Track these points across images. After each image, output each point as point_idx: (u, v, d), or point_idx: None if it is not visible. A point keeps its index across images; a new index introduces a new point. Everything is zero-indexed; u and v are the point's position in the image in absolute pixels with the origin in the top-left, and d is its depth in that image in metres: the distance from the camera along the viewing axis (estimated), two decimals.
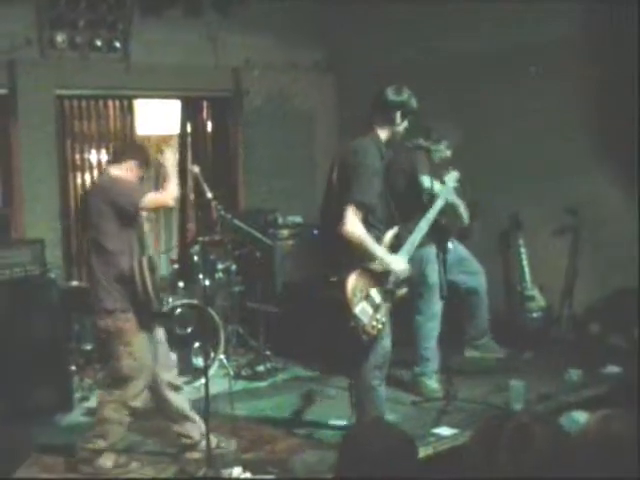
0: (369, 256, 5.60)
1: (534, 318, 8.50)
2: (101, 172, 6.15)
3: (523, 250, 8.60)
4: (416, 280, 6.80)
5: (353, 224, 5.51)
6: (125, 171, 5.93)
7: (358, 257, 5.63)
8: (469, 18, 8.76)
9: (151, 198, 5.83)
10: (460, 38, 8.86)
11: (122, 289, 5.70)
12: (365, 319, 5.59)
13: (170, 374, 6.12)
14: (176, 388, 6.14)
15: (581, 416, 5.67)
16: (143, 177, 6.19)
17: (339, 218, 5.55)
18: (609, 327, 7.99)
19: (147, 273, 5.66)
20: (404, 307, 6.97)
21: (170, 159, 6.08)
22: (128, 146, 6.40)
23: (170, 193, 5.90)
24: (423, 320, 7.23)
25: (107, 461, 5.86)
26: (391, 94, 5.86)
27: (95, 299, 5.78)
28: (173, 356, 6.45)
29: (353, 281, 5.61)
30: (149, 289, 5.66)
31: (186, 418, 6.08)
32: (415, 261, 6.44)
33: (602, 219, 8.06)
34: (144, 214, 6.31)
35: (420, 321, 7.27)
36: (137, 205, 5.72)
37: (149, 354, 5.84)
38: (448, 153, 7.41)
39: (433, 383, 7.25)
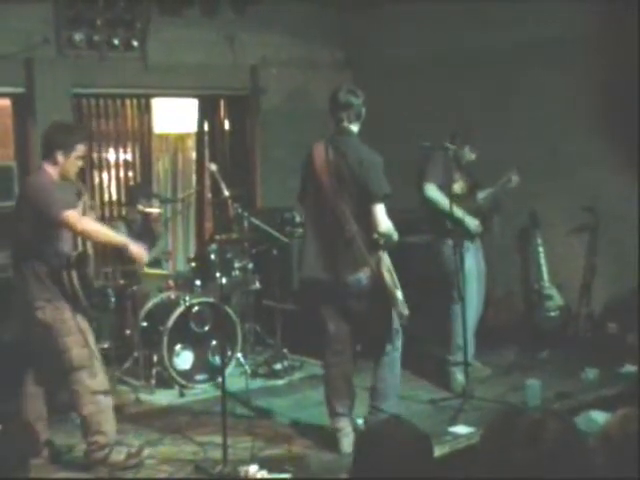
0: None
1: (552, 317, 8.49)
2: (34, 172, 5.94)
3: (541, 249, 8.60)
4: (452, 269, 7.11)
5: (385, 218, 5.81)
6: (54, 165, 5.75)
7: (376, 250, 5.82)
8: (486, 15, 8.77)
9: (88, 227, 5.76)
10: (477, 35, 8.87)
11: (54, 283, 5.69)
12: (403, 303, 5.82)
13: None
14: None
15: (598, 415, 5.68)
16: (82, 166, 6.06)
17: (341, 216, 5.81)
18: (627, 326, 7.98)
19: (72, 269, 5.70)
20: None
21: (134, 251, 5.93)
22: (51, 134, 5.87)
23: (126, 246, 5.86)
24: (459, 309, 7.21)
25: (119, 455, 5.88)
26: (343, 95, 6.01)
27: (30, 293, 5.72)
28: None
29: (387, 272, 5.82)
30: (74, 283, 5.69)
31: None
32: (449, 252, 7.08)
33: (620, 217, 8.04)
34: (156, 212, 6.37)
35: (456, 310, 7.27)
36: (55, 216, 5.57)
37: (92, 338, 5.86)
38: (473, 156, 7.57)
39: (460, 377, 7.28)
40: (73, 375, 5.74)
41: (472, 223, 7.47)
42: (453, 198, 7.17)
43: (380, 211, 5.83)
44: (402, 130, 9.08)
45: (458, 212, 7.30)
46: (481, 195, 7.67)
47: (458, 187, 7.44)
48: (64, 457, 5.95)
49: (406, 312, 5.85)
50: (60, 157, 5.71)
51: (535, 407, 6.42)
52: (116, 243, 5.96)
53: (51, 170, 5.73)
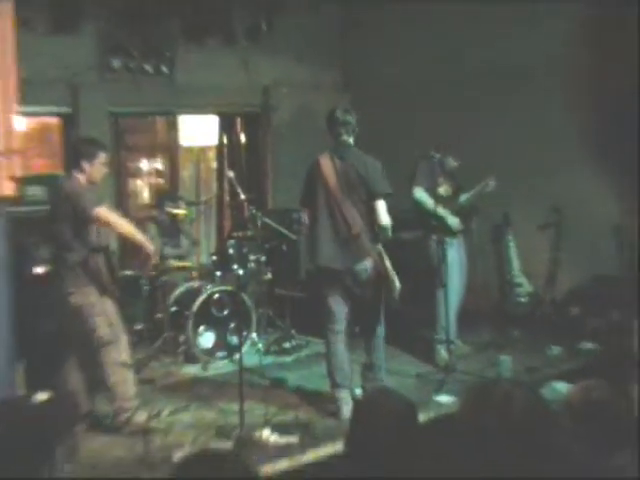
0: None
1: (522, 302, 8.49)
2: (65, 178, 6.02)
3: (512, 244, 8.60)
4: (436, 261, 7.28)
5: (386, 214, 6.03)
6: (81, 173, 5.83)
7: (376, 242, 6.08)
8: (476, 39, 8.77)
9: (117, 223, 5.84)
10: (460, 59, 8.87)
11: (83, 272, 5.76)
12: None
13: None
14: None
15: (561, 386, 5.69)
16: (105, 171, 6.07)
17: (349, 216, 6.00)
18: (586, 309, 7.98)
19: (100, 259, 5.82)
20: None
21: (147, 247, 6.01)
22: (77, 147, 6.08)
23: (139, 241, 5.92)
24: (442, 295, 7.23)
25: (140, 417, 5.92)
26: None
27: (65, 281, 5.80)
28: None
29: (386, 259, 6.06)
30: (102, 271, 5.81)
31: None
32: (434, 246, 7.31)
33: (580, 216, 8.02)
34: (182, 213, 6.39)
35: (440, 296, 7.29)
36: (89, 214, 5.69)
37: (118, 318, 5.93)
38: (455, 164, 7.59)
39: (444, 353, 7.31)
40: (102, 350, 5.82)
41: (453, 221, 7.48)
42: (438, 199, 7.20)
43: (382, 207, 6.01)
44: (396, 143, 9.06)
45: (441, 211, 7.32)
46: (463, 197, 7.67)
47: (443, 190, 7.45)
48: (102, 423, 5.97)
49: (397, 292, 6.05)
50: (86, 165, 5.82)
51: (507, 379, 6.45)
52: (136, 240, 5.96)
53: (80, 177, 5.82)
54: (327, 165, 6.14)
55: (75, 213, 5.68)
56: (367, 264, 6.03)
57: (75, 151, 6.02)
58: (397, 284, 6.01)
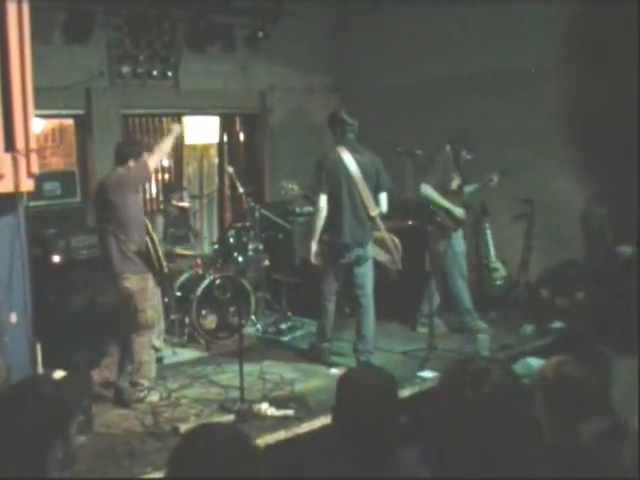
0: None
1: (498, 285, 8.49)
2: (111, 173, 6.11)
3: (488, 232, 8.59)
4: (442, 251, 7.49)
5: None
6: (127, 170, 5.92)
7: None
8: (462, 42, 8.76)
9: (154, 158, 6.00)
10: (446, 62, 8.86)
11: (139, 258, 5.84)
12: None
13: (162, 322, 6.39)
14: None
15: (533, 362, 5.68)
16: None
17: (367, 201, 6.49)
18: (556, 291, 7.99)
19: (157, 246, 5.92)
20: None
21: (176, 130, 6.27)
22: (123, 147, 6.20)
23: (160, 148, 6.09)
24: (461, 283, 7.55)
25: (154, 397, 5.96)
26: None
27: (119, 266, 5.83)
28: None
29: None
30: (161, 257, 5.95)
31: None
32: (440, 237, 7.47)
33: (550, 207, 8.04)
34: (186, 205, 6.49)
35: (458, 283, 7.55)
36: (147, 175, 5.99)
37: (160, 304, 6.12)
38: (469, 157, 7.58)
39: (423, 329, 7.36)
40: (142, 330, 5.90)
41: (459, 212, 7.44)
42: (448, 193, 7.26)
43: (385, 198, 6.60)
44: (384, 142, 9.01)
45: (446, 204, 7.30)
46: (468, 189, 7.63)
47: (454, 184, 7.43)
48: (123, 396, 5.98)
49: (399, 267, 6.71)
50: (132, 163, 5.91)
51: (484, 356, 6.46)
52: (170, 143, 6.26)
53: (123, 172, 5.92)
54: (349, 158, 6.44)
55: (128, 196, 5.80)
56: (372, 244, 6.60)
57: (122, 151, 6.08)
58: (400, 250, 6.65)
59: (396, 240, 6.70)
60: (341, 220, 6.43)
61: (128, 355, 5.98)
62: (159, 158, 6.13)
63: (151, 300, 5.93)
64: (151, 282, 5.93)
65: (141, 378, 5.91)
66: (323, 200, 6.44)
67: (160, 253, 5.94)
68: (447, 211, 7.37)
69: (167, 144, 6.15)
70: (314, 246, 6.53)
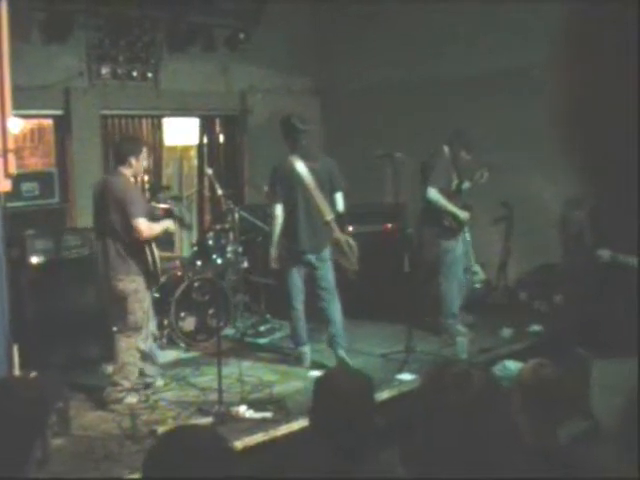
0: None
1: (477, 288, 8.51)
2: (111, 173, 6.10)
3: (467, 235, 8.60)
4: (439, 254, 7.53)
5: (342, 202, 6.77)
6: (129, 168, 5.92)
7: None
8: (438, 48, 8.78)
9: (146, 226, 5.83)
10: (419, 67, 8.88)
11: (134, 260, 5.82)
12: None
13: (152, 324, 6.28)
14: (154, 337, 6.36)
15: (512, 364, 5.71)
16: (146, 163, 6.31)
17: (322, 206, 6.57)
18: (534, 295, 8.02)
19: (154, 249, 5.90)
20: None
21: (169, 227, 6.26)
22: (123, 145, 6.18)
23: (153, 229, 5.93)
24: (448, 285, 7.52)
25: (133, 399, 5.91)
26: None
27: (115, 267, 5.82)
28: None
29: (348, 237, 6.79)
30: (157, 261, 5.92)
31: (151, 360, 6.20)
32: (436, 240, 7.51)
33: (528, 211, 8.08)
34: (165, 207, 6.45)
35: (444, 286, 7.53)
36: (132, 217, 5.74)
37: (151, 307, 6.08)
38: (468, 157, 7.49)
39: (460, 327, 7.47)
40: (130, 331, 5.87)
41: (464, 215, 7.41)
42: (451, 195, 7.28)
43: (341, 198, 6.69)
44: (362, 144, 9.03)
45: (452, 208, 7.29)
46: (464, 187, 7.56)
47: (454, 185, 7.43)
48: (98, 397, 5.97)
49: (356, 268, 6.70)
50: (133, 160, 5.92)
51: (463, 359, 6.48)
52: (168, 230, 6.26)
53: (126, 172, 5.94)
54: (301, 166, 6.55)
55: (124, 209, 5.74)
56: (329, 248, 6.68)
57: (121, 149, 6.07)
58: (355, 251, 6.64)
59: (351, 242, 6.70)
60: (297, 228, 6.60)
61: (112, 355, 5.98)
62: (142, 235, 5.83)
63: (142, 302, 5.90)
64: (143, 284, 5.90)
65: (122, 379, 5.87)
66: (279, 209, 6.64)
67: (156, 256, 5.91)
68: (453, 215, 7.35)
69: (156, 230, 5.99)
70: (273, 252, 6.74)
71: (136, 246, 5.82)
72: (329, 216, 6.61)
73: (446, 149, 7.36)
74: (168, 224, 6.20)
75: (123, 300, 5.84)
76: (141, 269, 5.87)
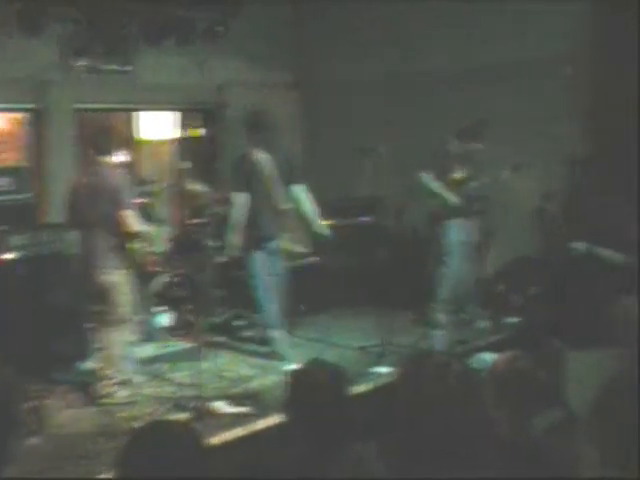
0: None
1: None
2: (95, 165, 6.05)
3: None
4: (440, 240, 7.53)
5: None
6: (109, 159, 5.93)
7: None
8: (419, 41, 8.80)
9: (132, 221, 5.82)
10: (400, 60, 8.88)
11: (121, 253, 5.83)
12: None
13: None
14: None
15: (488, 356, 5.72)
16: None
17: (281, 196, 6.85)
18: (510, 287, 8.05)
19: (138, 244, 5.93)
20: None
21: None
22: (101, 136, 6.19)
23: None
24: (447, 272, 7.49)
25: (124, 392, 5.89)
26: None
27: (103, 260, 5.80)
28: None
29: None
30: (141, 255, 5.99)
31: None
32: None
33: (506, 203, 8.09)
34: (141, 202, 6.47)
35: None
36: (118, 209, 5.75)
37: (135, 300, 6.07)
38: (480, 147, 7.41)
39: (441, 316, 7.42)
40: (117, 325, 5.88)
41: (448, 195, 7.34)
42: (450, 183, 7.26)
43: (304, 191, 6.99)
44: (340, 138, 9.03)
45: (436, 187, 7.32)
46: (473, 184, 7.50)
47: (457, 175, 7.38)
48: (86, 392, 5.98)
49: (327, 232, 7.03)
50: (112, 152, 5.98)
51: (441, 351, 6.49)
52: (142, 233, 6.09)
53: (108, 163, 5.94)
54: (264, 158, 6.86)
55: (111, 199, 5.73)
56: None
57: (100, 141, 6.07)
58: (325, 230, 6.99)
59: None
60: (258, 216, 6.85)
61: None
62: (125, 224, 5.84)
63: (128, 295, 5.90)
64: (129, 278, 5.90)
65: (110, 372, 5.89)
66: (242, 198, 6.85)
67: (139, 250, 5.90)
68: (437, 196, 7.32)
69: (140, 226, 6.00)
70: (234, 240, 6.91)
71: (122, 239, 5.82)
72: (286, 205, 6.93)
73: (451, 140, 7.34)
74: (149, 228, 6.21)
75: (110, 293, 5.82)
76: (127, 262, 5.89)
